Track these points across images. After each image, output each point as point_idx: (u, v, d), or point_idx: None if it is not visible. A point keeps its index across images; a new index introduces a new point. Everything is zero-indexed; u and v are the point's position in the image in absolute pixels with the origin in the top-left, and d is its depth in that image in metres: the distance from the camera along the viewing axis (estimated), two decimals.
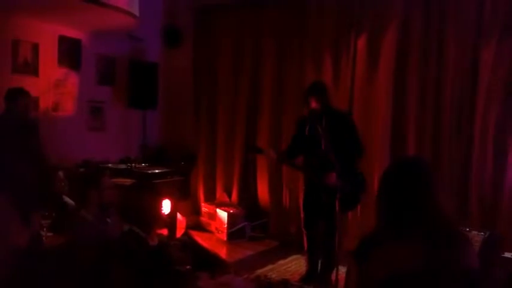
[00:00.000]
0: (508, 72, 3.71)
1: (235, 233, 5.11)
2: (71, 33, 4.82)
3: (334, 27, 4.64)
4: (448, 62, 3.98)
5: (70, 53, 4.84)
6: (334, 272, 3.43)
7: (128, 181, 3.74)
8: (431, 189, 1.55)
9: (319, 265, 3.77)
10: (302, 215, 3.83)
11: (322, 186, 3.54)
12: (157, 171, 4.47)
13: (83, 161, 4.58)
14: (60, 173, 3.41)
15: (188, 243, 3.68)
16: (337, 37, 4.63)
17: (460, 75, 3.94)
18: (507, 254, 3.17)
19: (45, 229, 2.70)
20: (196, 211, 5.70)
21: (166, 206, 4.58)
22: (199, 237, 4.89)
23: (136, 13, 4.42)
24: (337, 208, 3.22)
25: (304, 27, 4.85)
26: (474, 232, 3.48)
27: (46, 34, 4.63)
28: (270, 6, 5.10)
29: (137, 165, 4.55)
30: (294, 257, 4.50)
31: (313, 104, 3.62)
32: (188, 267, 2.96)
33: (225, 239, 5.09)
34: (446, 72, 3.99)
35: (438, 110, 4.05)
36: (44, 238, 2.66)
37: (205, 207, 5.58)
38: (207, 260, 3.68)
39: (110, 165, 4.48)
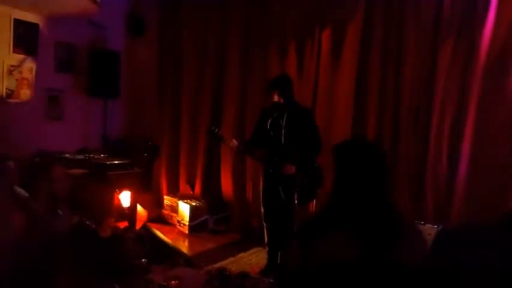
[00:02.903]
0: (462, 71, 3.80)
1: (197, 226, 5.07)
2: (28, 17, 4.62)
3: (298, 19, 4.63)
4: (408, 58, 4.03)
5: (26, 38, 4.64)
6: None
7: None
8: (385, 177, 1.53)
9: (279, 257, 3.79)
10: (262, 209, 3.83)
11: (280, 179, 3.55)
12: (116, 162, 4.35)
13: (38, 151, 4.40)
14: (11, 163, 3.26)
15: (145, 236, 3.63)
16: (301, 29, 4.63)
17: (419, 70, 4.00)
18: None
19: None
20: (159, 204, 5.61)
21: (126, 198, 4.48)
22: (161, 230, 4.84)
23: None
24: (295, 201, 3.24)
25: (269, 19, 4.82)
26: (428, 225, 3.60)
27: (0, 17, 4.41)
28: None
29: (96, 156, 4.42)
30: (255, 249, 4.50)
31: (275, 98, 3.62)
32: (143, 260, 2.92)
33: (186, 232, 5.04)
34: (406, 68, 4.04)
35: (397, 105, 4.11)
36: None
37: (167, 200, 5.50)
38: (165, 253, 3.64)
39: (66, 155, 4.33)
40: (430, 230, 3.55)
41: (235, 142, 3.75)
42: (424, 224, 3.62)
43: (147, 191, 5.26)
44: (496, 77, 3.66)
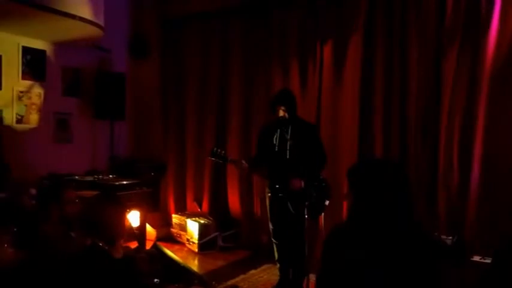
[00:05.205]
0: (469, 78, 3.79)
1: (206, 244, 5.06)
2: (35, 44, 4.73)
3: (299, 37, 4.69)
4: (412, 70, 4.03)
5: (34, 64, 4.74)
6: (305, 279, 3.45)
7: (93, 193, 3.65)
8: (407, 194, 1.52)
9: (291, 273, 3.77)
10: (271, 226, 3.81)
11: (289, 193, 3.56)
12: (124, 182, 4.39)
13: (48, 174, 4.46)
14: (32, 190, 3.31)
15: (156, 255, 3.63)
16: (303, 47, 4.68)
17: (424, 82, 3.99)
18: (475, 258, 3.23)
19: (6, 245, 2.61)
20: (167, 222, 5.62)
21: (135, 218, 4.50)
22: (170, 249, 4.83)
23: (102, 23, 4.37)
24: (305, 216, 3.25)
25: (271, 36, 4.89)
26: (443, 236, 3.55)
27: (8, 45, 4.53)
28: (236, 17, 5.14)
29: (104, 177, 4.47)
30: (266, 266, 4.48)
31: (281, 113, 3.65)
32: (156, 280, 2.92)
33: (196, 250, 5.04)
34: (411, 79, 4.04)
35: (404, 116, 4.10)
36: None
37: (175, 218, 5.51)
38: (176, 272, 3.63)
39: (76, 177, 4.38)
40: (445, 241, 3.52)
41: (245, 164, 3.71)
42: (438, 235, 3.58)
43: (155, 210, 5.28)
44: (503, 84, 3.65)
